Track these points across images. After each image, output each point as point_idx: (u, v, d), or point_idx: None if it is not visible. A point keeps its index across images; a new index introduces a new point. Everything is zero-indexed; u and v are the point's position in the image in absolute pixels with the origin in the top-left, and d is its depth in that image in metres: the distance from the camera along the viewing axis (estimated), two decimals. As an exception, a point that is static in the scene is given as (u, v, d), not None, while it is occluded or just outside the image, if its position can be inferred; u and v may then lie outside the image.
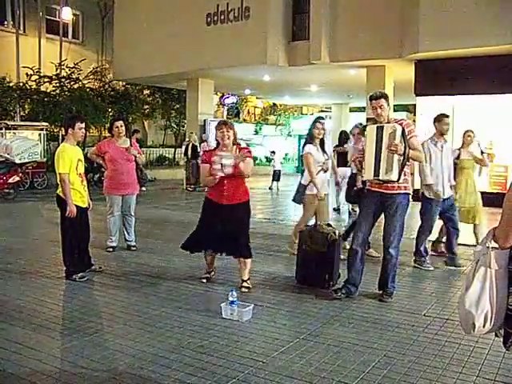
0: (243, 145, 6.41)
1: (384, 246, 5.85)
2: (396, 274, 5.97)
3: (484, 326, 2.54)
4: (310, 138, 7.51)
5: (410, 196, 5.89)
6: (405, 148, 5.50)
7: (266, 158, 29.14)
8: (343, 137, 11.35)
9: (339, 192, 11.25)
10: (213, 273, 6.46)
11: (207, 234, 6.10)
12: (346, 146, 10.87)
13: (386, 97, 5.79)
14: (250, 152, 6.04)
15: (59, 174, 6.37)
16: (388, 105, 5.74)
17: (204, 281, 6.27)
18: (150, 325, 4.96)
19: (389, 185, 5.66)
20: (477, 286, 2.53)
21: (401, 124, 5.63)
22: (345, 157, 10.17)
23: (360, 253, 5.86)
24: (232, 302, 5.15)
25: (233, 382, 3.79)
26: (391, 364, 4.14)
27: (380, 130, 5.59)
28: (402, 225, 5.80)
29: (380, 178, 5.60)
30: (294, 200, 7.79)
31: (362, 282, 6.05)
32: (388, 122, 5.70)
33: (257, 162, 27.39)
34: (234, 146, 6.03)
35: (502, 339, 2.60)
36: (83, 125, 6.60)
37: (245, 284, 6.12)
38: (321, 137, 7.46)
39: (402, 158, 5.53)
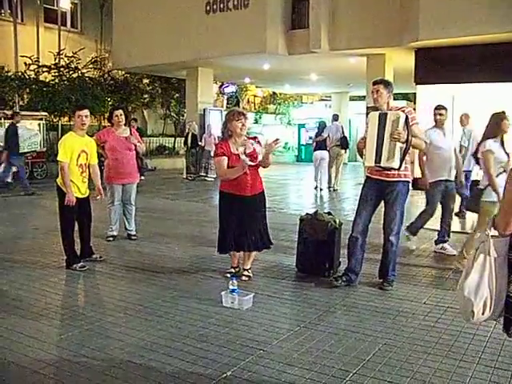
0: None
1: (384, 233, 5.85)
2: (396, 262, 5.98)
3: (483, 314, 2.55)
4: (490, 132, 6.26)
5: (410, 184, 5.90)
6: (408, 135, 5.49)
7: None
8: (321, 126, 15.37)
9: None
10: (238, 269, 6.23)
11: (232, 234, 5.96)
12: (323, 134, 14.99)
13: (386, 84, 5.78)
14: (259, 142, 5.95)
15: (58, 161, 6.38)
16: (388, 92, 5.73)
17: (228, 275, 6.01)
18: (150, 313, 4.98)
19: (389, 172, 5.65)
20: (476, 273, 2.53)
21: (403, 111, 5.63)
22: (324, 143, 14.91)
23: (360, 241, 5.86)
24: (232, 291, 5.16)
25: (233, 370, 3.80)
26: (392, 352, 4.16)
27: (383, 116, 5.58)
28: (402, 212, 5.80)
29: (381, 165, 5.59)
30: (468, 208, 7.30)
31: (363, 270, 6.06)
32: (390, 110, 5.69)
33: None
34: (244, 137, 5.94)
35: (502, 326, 2.61)
36: (82, 112, 6.56)
37: (245, 273, 6.12)
38: (507, 130, 6.21)
39: (404, 145, 5.53)
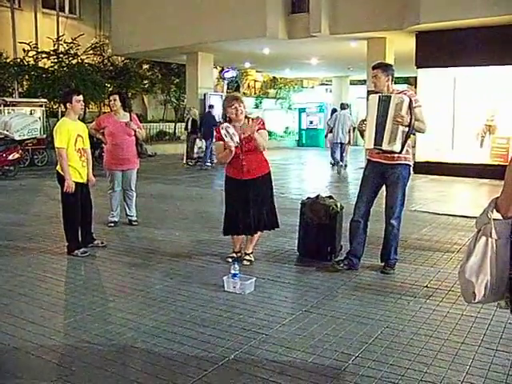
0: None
1: (386, 216, 5.85)
2: (398, 245, 5.97)
3: (485, 296, 2.55)
4: None
5: (411, 167, 5.88)
6: (411, 119, 5.48)
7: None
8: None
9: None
10: (240, 254, 6.24)
11: (237, 217, 5.96)
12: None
13: (384, 68, 5.77)
14: (263, 124, 5.93)
15: (56, 148, 6.35)
16: (387, 76, 5.70)
17: (230, 260, 6.02)
18: (152, 299, 4.99)
19: (389, 155, 5.64)
20: (478, 255, 2.52)
21: (405, 94, 5.61)
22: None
23: (362, 224, 5.86)
24: (234, 275, 5.16)
25: (236, 354, 3.81)
26: (394, 335, 4.16)
27: (387, 99, 5.57)
28: (404, 196, 5.79)
29: (382, 148, 5.58)
30: None
31: (365, 253, 6.06)
32: (391, 93, 5.67)
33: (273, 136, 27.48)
34: (246, 120, 5.92)
35: (505, 309, 2.61)
36: (81, 97, 6.56)
37: (247, 257, 6.13)
38: None
39: (407, 129, 5.51)
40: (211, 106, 18.37)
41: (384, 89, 5.71)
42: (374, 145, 5.65)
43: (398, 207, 5.77)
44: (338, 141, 16.27)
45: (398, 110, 5.47)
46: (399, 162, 5.67)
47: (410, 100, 5.50)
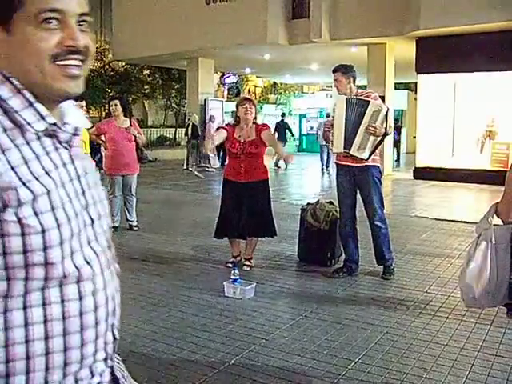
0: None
1: (368, 219, 5.80)
2: (390, 243, 5.88)
3: (485, 300, 2.55)
4: None
5: (380, 168, 5.83)
6: (385, 130, 5.47)
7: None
8: None
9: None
10: (239, 258, 6.25)
11: (230, 220, 5.97)
12: None
13: (344, 70, 5.71)
14: (266, 125, 6.06)
15: None
16: (348, 78, 5.65)
17: (230, 265, 5.96)
18: (152, 304, 4.99)
19: (357, 158, 5.62)
20: (478, 260, 2.53)
21: (368, 96, 5.59)
22: None
23: (349, 229, 5.85)
24: (234, 281, 5.17)
25: (236, 359, 3.81)
26: (393, 340, 4.16)
27: (364, 105, 5.51)
28: (381, 196, 5.74)
29: (351, 152, 5.56)
30: None
31: (364, 259, 6.06)
32: (355, 95, 5.65)
33: None
34: (254, 125, 5.97)
35: (506, 312, 2.61)
36: (83, 103, 6.57)
37: (247, 263, 6.12)
38: None
39: (379, 139, 5.50)
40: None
41: (347, 91, 5.67)
42: (344, 149, 5.61)
43: (378, 208, 5.70)
44: (324, 143, 16.57)
45: (374, 119, 5.44)
46: (367, 163, 5.62)
47: (388, 110, 5.48)
